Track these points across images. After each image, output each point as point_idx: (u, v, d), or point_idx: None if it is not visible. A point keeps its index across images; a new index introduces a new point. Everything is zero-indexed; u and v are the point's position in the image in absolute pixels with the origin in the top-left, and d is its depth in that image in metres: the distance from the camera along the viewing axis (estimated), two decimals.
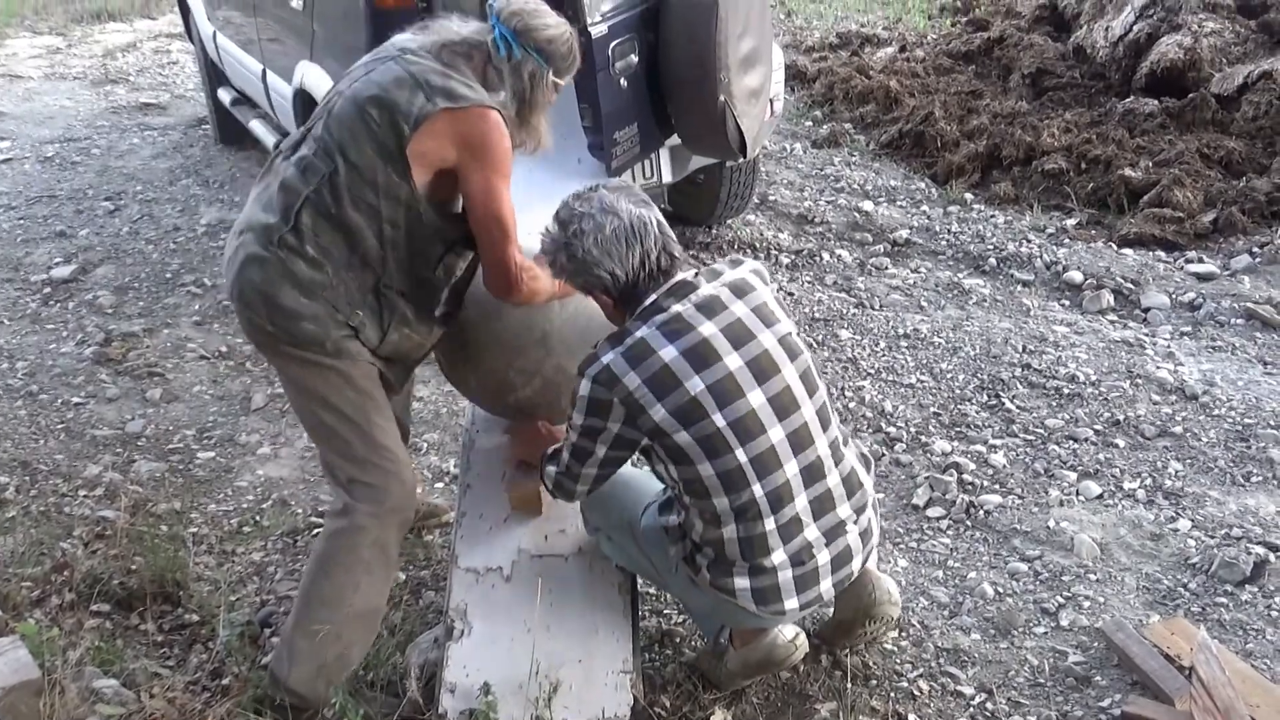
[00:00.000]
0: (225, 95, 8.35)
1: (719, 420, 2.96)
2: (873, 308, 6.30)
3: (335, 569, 3.37)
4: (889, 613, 3.60)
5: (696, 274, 3.10)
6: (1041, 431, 5.07)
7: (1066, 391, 5.36)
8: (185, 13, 9.06)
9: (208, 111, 9.34)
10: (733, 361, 2.99)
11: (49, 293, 6.73)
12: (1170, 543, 4.31)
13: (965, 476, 4.73)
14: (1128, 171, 7.55)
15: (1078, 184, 7.70)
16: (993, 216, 7.50)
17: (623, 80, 5.24)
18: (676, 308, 3.00)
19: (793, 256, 6.94)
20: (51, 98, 10.96)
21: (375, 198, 3.19)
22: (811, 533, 3.12)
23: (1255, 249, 6.74)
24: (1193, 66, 8.56)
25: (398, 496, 3.40)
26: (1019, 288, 6.52)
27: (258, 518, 4.65)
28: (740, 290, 3.10)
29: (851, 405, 5.28)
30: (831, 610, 3.72)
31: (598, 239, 3.00)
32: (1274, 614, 3.93)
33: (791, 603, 3.17)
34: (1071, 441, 4.99)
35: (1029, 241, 7.02)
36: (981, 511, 4.51)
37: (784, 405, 3.03)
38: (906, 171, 8.42)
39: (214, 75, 8.70)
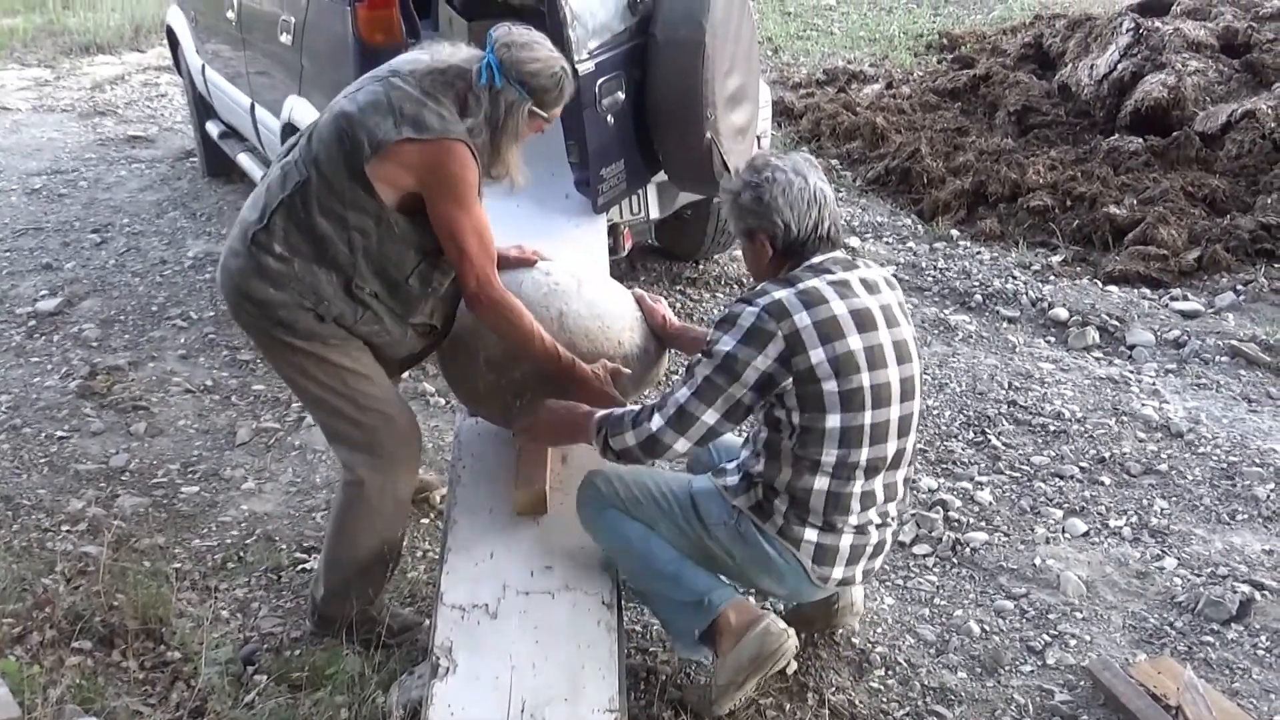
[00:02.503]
0: (213, 128, 8.33)
1: (865, 380, 3.13)
2: None
3: (349, 517, 3.65)
4: (850, 623, 3.82)
5: (853, 258, 3.31)
6: (1027, 468, 5.05)
7: (1052, 428, 5.34)
8: (174, 46, 9.05)
9: (196, 145, 9.33)
10: (884, 336, 3.18)
11: (34, 325, 6.69)
12: (1156, 581, 4.29)
13: (952, 514, 4.70)
14: (1112, 209, 7.56)
15: (1063, 221, 7.69)
16: (978, 253, 7.49)
17: (610, 117, 5.22)
18: (843, 275, 3.19)
19: None
20: (39, 130, 10.95)
21: (343, 209, 3.31)
22: (874, 514, 3.31)
23: (1239, 287, 6.76)
24: (1177, 105, 8.58)
25: (393, 443, 3.60)
26: (1004, 324, 6.50)
27: (242, 553, 4.60)
28: (885, 283, 3.32)
29: None
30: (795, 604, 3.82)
31: (785, 190, 3.20)
32: (1260, 653, 3.92)
33: (839, 571, 3.35)
34: (1057, 479, 4.97)
35: (1014, 278, 7.00)
36: (968, 549, 4.48)
37: (907, 391, 3.24)
38: (893, 208, 8.40)
39: (202, 108, 8.67)
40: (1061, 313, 6.50)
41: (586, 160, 5.20)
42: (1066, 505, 4.77)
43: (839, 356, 3.10)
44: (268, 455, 5.32)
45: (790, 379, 3.11)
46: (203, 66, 8.21)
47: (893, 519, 3.43)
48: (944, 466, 5.05)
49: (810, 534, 3.27)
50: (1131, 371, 5.88)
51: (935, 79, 10.83)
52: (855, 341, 3.12)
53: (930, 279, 7.11)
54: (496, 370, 3.67)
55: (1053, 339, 6.29)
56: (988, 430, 5.33)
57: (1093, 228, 7.51)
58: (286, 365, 3.54)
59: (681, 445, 3.24)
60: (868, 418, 3.15)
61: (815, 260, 3.24)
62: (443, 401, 5.70)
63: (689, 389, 3.19)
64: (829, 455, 3.17)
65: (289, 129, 6.05)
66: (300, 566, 4.43)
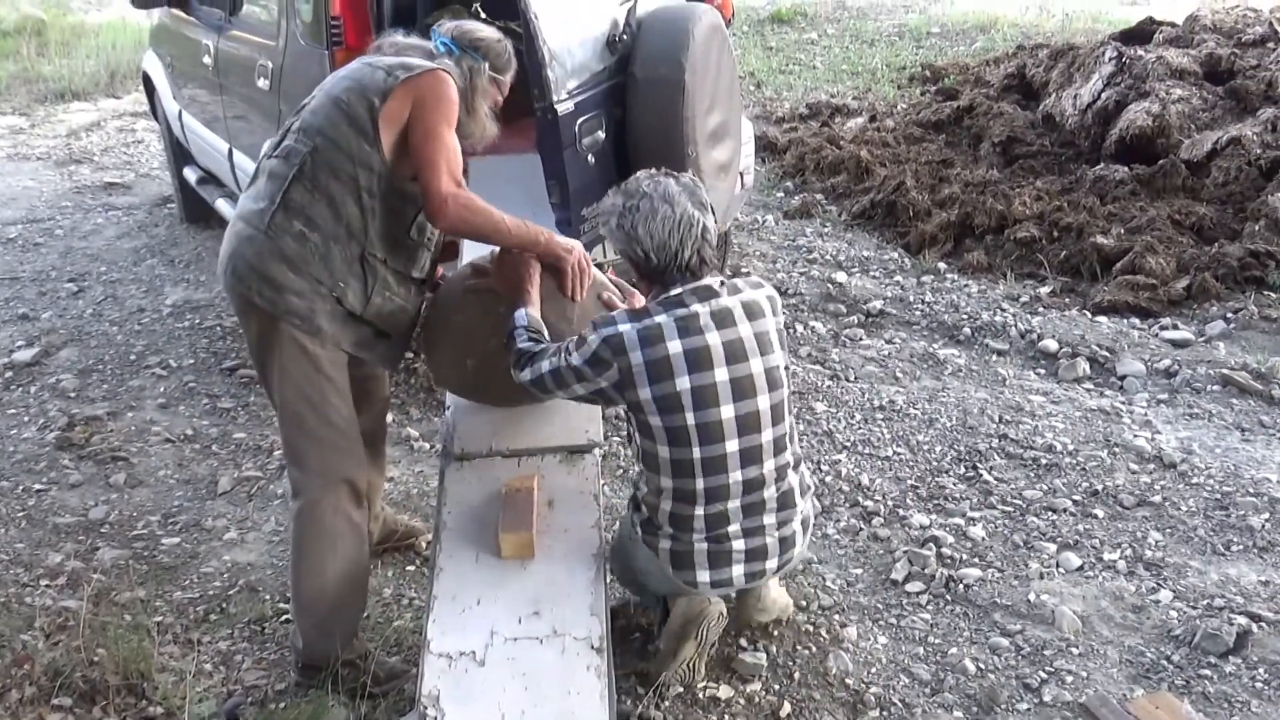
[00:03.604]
0: (191, 174, 8.25)
1: (690, 419, 3.27)
2: (848, 380, 6.20)
3: (307, 544, 3.68)
4: (757, 618, 4.00)
5: (721, 283, 3.37)
6: (1020, 503, 5.00)
7: (1044, 462, 5.28)
8: (150, 92, 8.93)
9: (173, 190, 9.23)
10: (720, 375, 3.29)
11: (10, 376, 6.59)
12: (1152, 614, 4.23)
13: (944, 550, 4.63)
14: (1100, 239, 7.50)
15: (1050, 252, 7.62)
16: (966, 285, 7.43)
17: (590, 156, 5.19)
18: (696, 308, 3.27)
19: None
20: (14, 178, 10.78)
21: (352, 166, 3.47)
22: (734, 527, 3.43)
23: (1229, 315, 6.70)
24: (1161, 133, 8.55)
25: (347, 469, 3.69)
26: (994, 357, 6.45)
27: (224, 605, 4.52)
28: (752, 312, 3.37)
29: (828, 479, 5.19)
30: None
31: (647, 221, 3.30)
32: (1259, 685, 3.87)
33: (704, 575, 3.50)
34: (1050, 512, 4.91)
35: (1003, 310, 6.95)
36: (961, 585, 4.42)
37: (747, 424, 3.33)
38: (879, 241, 8.34)
39: (179, 154, 8.59)
40: (1051, 344, 6.43)
41: (568, 200, 5.13)
42: (1060, 539, 4.70)
43: (665, 396, 3.26)
44: (250, 504, 5.23)
45: (624, 405, 3.35)
46: (179, 112, 8.15)
47: (771, 525, 3.51)
48: (935, 503, 4.99)
49: (664, 544, 3.48)
50: (1123, 402, 5.82)
51: (919, 111, 10.80)
52: (684, 382, 3.26)
53: (919, 313, 7.04)
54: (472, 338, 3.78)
55: (1043, 371, 6.23)
56: (979, 465, 5.27)
57: (1080, 258, 7.44)
58: (275, 362, 3.59)
59: (542, 395, 3.57)
60: (696, 452, 3.31)
61: (674, 291, 3.34)
62: (427, 446, 5.63)
63: (550, 365, 3.42)
64: (665, 481, 3.38)
65: None
66: (284, 617, 4.32)
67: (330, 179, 3.50)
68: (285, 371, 3.60)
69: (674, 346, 3.25)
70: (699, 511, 3.39)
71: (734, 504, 3.41)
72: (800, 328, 6.85)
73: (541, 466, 4.02)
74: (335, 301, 3.54)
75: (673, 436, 3.31)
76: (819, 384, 6.16)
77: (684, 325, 3.26)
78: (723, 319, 3.31)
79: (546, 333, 3.58)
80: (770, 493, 3.46)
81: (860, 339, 6.73)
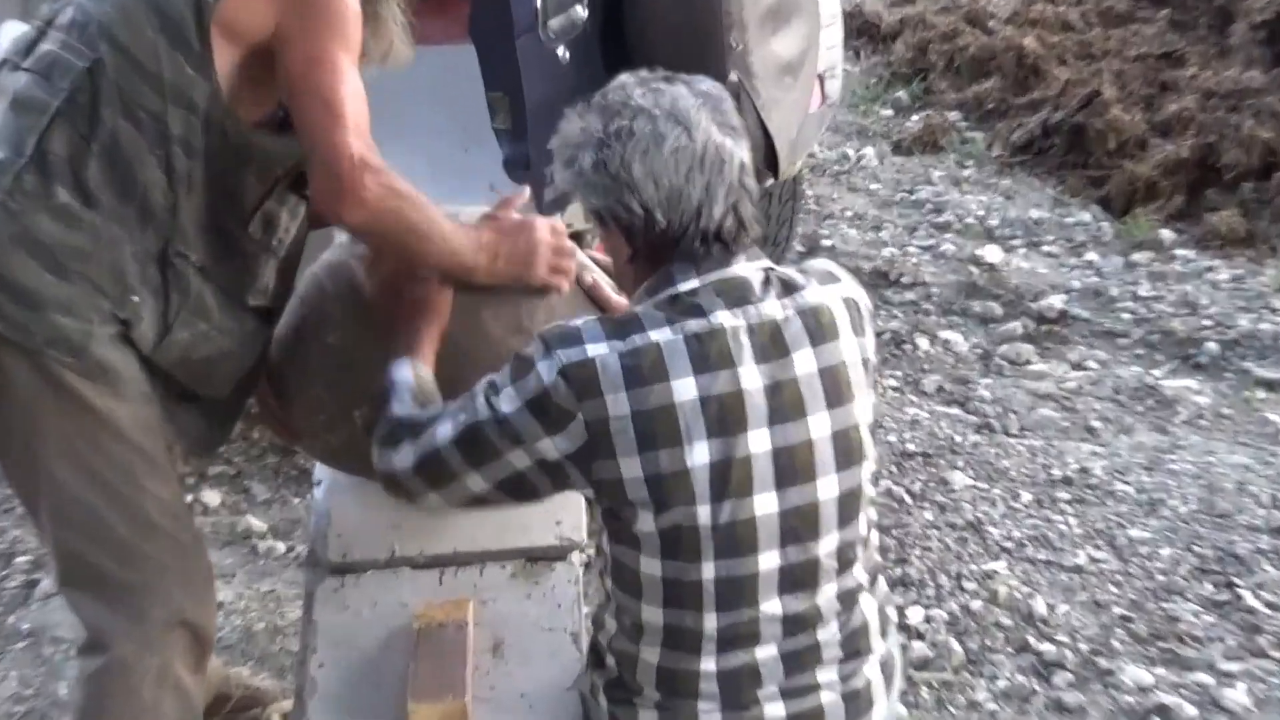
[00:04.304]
0: None
1: (703, 517, 2.48)
2: (1008, 432, 5.20)
3: None
4: None
5: (767, 276, 2.54)
6: None
7: None
8: None
9: None
10: (760, 441, 2.50)
11: None
12: None
13: None
14: None
15: None
16: (1209, 269, 6.37)
17: (562, 50, 4.38)
18: (722, 318, 2.47)
19: None
20: None
21: (160, 102, 2.82)
22: (767, 689, 2.63)
23: None
24: None
25: (177, 602, 3.01)
26: (1261, 393, 5.40)
27: None
28: (818, 328, 2.55)
29: (975, 605, 4.23)
30: None
31: (646, 153, 2.46)
32: None
33: None
34: None
35: (1273, 313, 5.93)
36: None
37: (798, 525, 2.56)
38: (1057, 193, 7.28)
39: None
40: None
41: (524, 126, 4.36)
42: None
43: (666, 476, 2.44)
44: None
45: (590, 489, 2.55)
46: None
47: (831, 682, 2.68)
48: (1162, 645, 4.10)
49: (646, 716, 2.71)
50: None
51: None
52: (699, 452, 2.44)
53: (1127, 317, 6.01)
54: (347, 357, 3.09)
55: None
56: (1238, 580, 4.35)
57: None
58: (31, 425, 2.88)
59: (431, 500, 2.72)
60: (709, 570, 2.49)
61: (684, 286, 2.48)
62: (280, 548, 4.65)
63: (451, 428, 2.63)
64: (651, 614, 2.56)
65: None
66: None
67: (120, 118, 2.79)
68: (53, 440, 2.88)
69: (684, 388, 2.43)
70: (707, 667, 2.55)
71: (767, 652, 2.58)
72: (924, 342, 5.89)
73: (481, 584, 3.27)
74: (120, 326, 2.84)
75: (670, 544, 2.49)
76: (956, 439, 5.16)
77: (702, 349, 2.42)
78: (768, 342, 2.50)
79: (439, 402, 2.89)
80: (829, 634, 2.63)
81: (1028, 362, 5.74)
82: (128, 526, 2.92)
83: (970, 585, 4.37)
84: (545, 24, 4.26)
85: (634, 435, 2.48)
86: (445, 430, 2.67)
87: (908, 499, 4.84)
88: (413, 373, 2.90)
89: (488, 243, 2.99)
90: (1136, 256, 6.53)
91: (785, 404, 2.53)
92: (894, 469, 5.04)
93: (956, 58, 8.56)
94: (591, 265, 3.25)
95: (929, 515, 4.73)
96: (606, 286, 3.20)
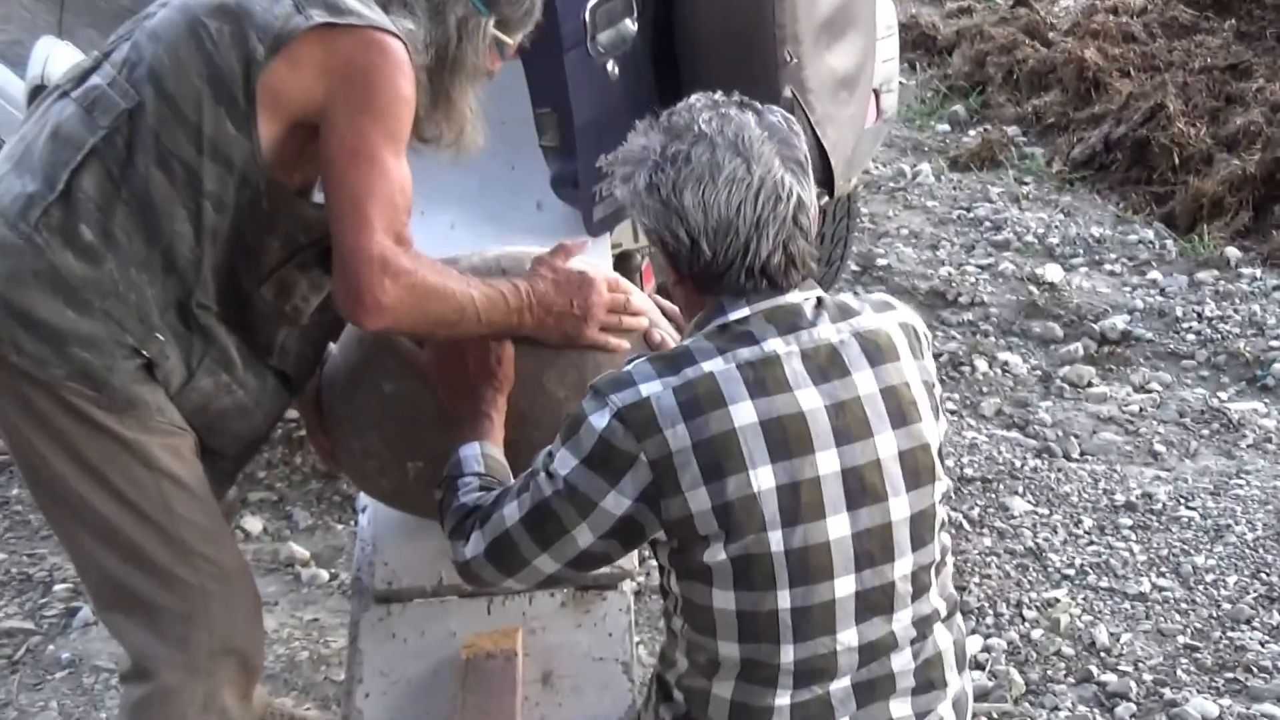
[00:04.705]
0: None
1: (775, 542, 2.46)
2: (1069, 456, 5.12)
3: None
4: None
5: (818, 304, 2.58)
6: None
7: None
8: None
9: None
10: (828, 462, 2.50)
11: None
12: None
13: None
14: None
15: None
16: (1276, 288, 6.33)
17: (611, 65, 4.30)
18: (775, 345, 2.49)
19: None
20: None
21: (196, 155, 2.76)
22: None
23: None
24: None
25: (223, 628, 3.00)
26: None
27: None
28: (876, 350, 2.59)
29: (1036, 634, 4.21)
30: None
31: (700, 181, 2.47)
32: None
33: None
34: None
35: None
36: None
37: (873, 549, 2.55)
38: (1119, 210, 7.14)
39: None
40: None
41: (573, 143, 4.28)
42: None
43: (733, 504, 2.43)
44: (13, 679, 4.29)
45: (662, 530, 2.52)
46: None
47: (905, 717, 2.65)
48: (1229, 675, 4.08)
49: None
50: None
51: None
52: (764, 476, 2.42)
53: (1190, 337, 5.93)
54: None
55: None
56: None
57: None
58: (63, 456, 2.82)
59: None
60: (785, 599, 2.47)
61: (734, 314, 2.51)
62: (324, 576, 4.60)
63: (514, 510, 2.63)
64: (727, 649, 2.54)
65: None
66: None
67: (153, 166, 2.73)
68: (84, 468, 2.83)
69: (742, 412, 2.43)
70: (781, 701, 2.50)
71: (841, 684, 2.57)
72: (983, 364, 5.81)
73: (530, 613, 3.29)
74: (144, 361, 2.79)
75: (742, 573, 2.48)
76: (1016, 464, 5.11)
77: (756, 375, 2.43)
78: (823, 364, 2.52)
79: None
80: (903, 662, 2.60)
81: (1089, 384, 5.67)
82: (166, 552, 2.88)
83: (1031, 614, 4.34)
84: (594, 38, 4.20)
85: (698, 467, 2.45)
86: (512, 511, 2.66)
87: (966, 525, 4.80)
88: (480, 452, 2.90)
89: (539, 297, 2.96)
90: (1201, 275, 6.46)
91: (850, 424, 2.50)
92: (952, 494, 4.93)
93: (1015, 70, 8.49)
94: (663, 322, 3.21)
95: (988, 542, 4.71)
96: (669, 337, 3.16)
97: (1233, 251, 6.55)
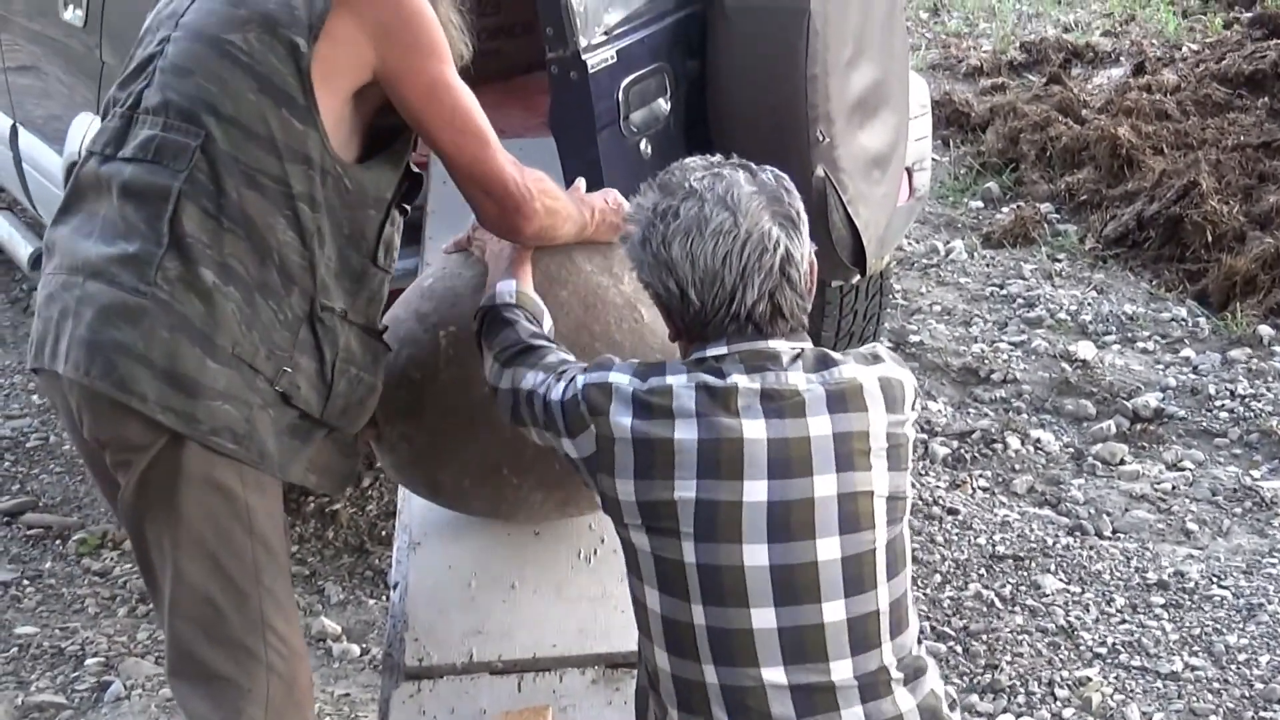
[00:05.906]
0: None
1: (688, 553, 2.60)
2: (1101, 535, 5.10)
3: None
4: None
5: (798, 354, 2.64)
6: None
7: None
8: None
9: None
10: (754, 491, 2.58)
11: None
12: None
13: None
14: None
15: None
16: None
17: (644, 144, 4.40)
18: (737, 379, 2.61)
19: (954, 444, 5.76)
20: None
21: (278, 164, 2.84)
22: None
23: None
24: None
25: (278, 706, 3.02)
26: None
27: None
28: (841, 399, 2.64)
29: (1068, 713, 4.20)
30: None
31: (688, 234, 2.62)
32: None
33: None
34: None
35: None
36: None
37: (794, 586, 2.60)
38: (1152, 288, 7.05)
39: None
40: None
41: None
42: None
43: (655, 504, 2.60)
44: None
45: (596, 494, 2.71)
46: None
47: None
48: None
49: None
50: None
51: (1221, 57, 9.16)
52: (685, 487, 2.56)
53: (1225, 415, 5.86)
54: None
55: None
56: None
57: None
58: (170, 514, 2.86)
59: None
60: (699, 615, 2.58)
61: (712, 351, 2.66)
62: (355, 651, 4.62)
63: (530, 383, 2.82)
64: (661, 658, 2.67)
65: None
66: None
67: (243, 188, 2.82)
68: (185, 529, 2.89)
69: (683, 427, 2.57)
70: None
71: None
72: (1016, 442, 5.76)
73: (561, 691, 3.30)
74: (280, 400, 2.86)
75: (664, 576, 2.60)
76: (1049, 541, 5.06)
77: (710, 398, 2.58)
78: (778, 403, 2.60)
79: (549, 322, 3.05)
80: (852, 717, 2.65)
81: (1122, 462, 5.60)
82: (242, 625, 2.95)
83: (1062, 693, 4.34)
84: (627, 118, 4.30)
85: (632, 460, 2.62)
86: (526, 380, 2.91)
87: (998, 603, 4.79)
88: (515, 289, 3.08)
89: (587, 203, 3.29)
90: (1234, 353, 6.43)
91: (789, 459, 2.59)
92: (984, 572, 4.98)
93: (1049, 147, 8.37)
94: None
95: (1019, 620, 4.70)
96: None
97: (1265, 330, 6.56)
